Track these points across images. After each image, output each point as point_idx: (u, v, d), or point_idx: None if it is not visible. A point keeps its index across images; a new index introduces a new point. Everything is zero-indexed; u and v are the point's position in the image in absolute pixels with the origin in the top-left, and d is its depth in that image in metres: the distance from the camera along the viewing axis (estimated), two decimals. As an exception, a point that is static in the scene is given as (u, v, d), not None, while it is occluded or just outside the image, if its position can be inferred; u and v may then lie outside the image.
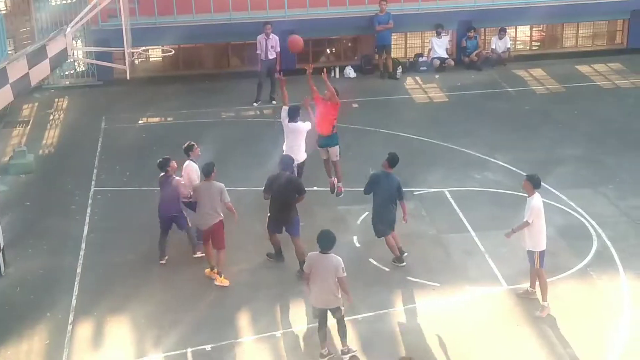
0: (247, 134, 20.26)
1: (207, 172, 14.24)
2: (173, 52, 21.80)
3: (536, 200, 13.22)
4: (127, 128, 20.78)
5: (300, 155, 16.28)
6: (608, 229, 15.62)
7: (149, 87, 23.29)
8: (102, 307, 13.60)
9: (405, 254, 14.72)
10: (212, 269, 14.29)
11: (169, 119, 21.65)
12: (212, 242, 14.24)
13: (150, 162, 18.54)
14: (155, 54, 24.67)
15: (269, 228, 14.69)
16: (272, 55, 22.05)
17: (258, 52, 22.14)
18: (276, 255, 14.82)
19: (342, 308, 12.24)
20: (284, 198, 14.38)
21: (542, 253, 13.39)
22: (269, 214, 14.65)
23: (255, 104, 22.18)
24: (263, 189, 14.56)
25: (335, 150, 16.58)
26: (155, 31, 22.62)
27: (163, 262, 14.80)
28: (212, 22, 23.00)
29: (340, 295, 12.11)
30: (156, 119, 21.67)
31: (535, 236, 13.31)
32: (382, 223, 14.63)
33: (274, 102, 22.25)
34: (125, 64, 15.74)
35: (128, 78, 16.33)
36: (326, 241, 12.09)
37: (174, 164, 14.83)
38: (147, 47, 23.91)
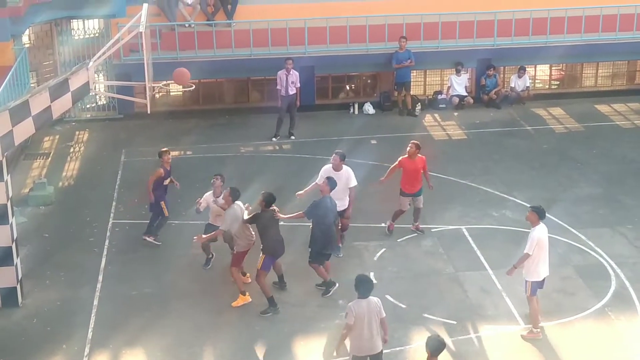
0: (265, 169, 20.32)
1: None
2: (193, 86, 21.90)
3: (537, 231, 13.21)
4: (147, 161, 20.86)
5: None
6: (627, 269, 15.53)
7: (169, 121, 23.48)
8: (118, 340, 13.62)
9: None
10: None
11: (188, 152, 21.78)
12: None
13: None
14: (176, 88, 24.86)
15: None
16: (292, 91, 22.18)
17: (278, 87, 22.26)
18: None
19: None
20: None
21: (534, 283, 13.41)
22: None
23: (274, 139, 22.29)
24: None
25: (421, 199, 16.82)
26: (177, 66, 22.65)
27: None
28: (233, 57, 23.19)
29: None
30: (175, 153, 21.70)
31: (531, 266, 13.31)
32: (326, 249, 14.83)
33: (292, 137, 22.36)
34: (146, 98, 15.87)
35: (149, 112, 16.44)
36: (367, 287, 11.97)
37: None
38: (168, 82, 24.07)
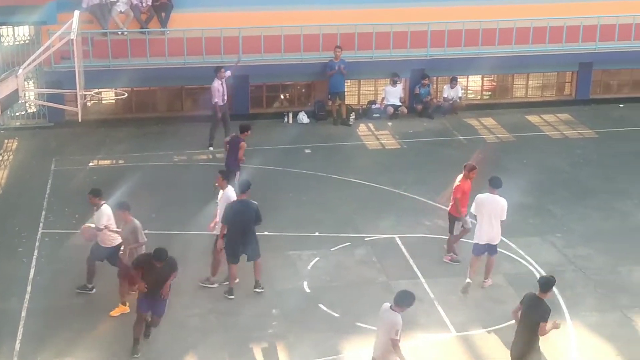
0: (199, 178, 20.17)
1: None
2: (126, 94, 21.72)
3: (480, 195, 15.26)
4: (78, 170, 20.59)
5: None
6: (556, 278, 15.69)
7: (100, 130, 23.17)
8: (47, 352, 13.38)
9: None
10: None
11: (120, 161, 21.51)
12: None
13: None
14: (108, 96, 24.57)
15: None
16: (225, 100, 22.05)
17: (216, 99, 21.69)
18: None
19: None
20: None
21: (474, 244, 15.33)
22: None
23: (210, 148, 22.14)
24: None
25: None
26: (109, 73, 22.57)
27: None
28: (166, 65, 23.01)
29: None
30: (107, 162, 21.52)
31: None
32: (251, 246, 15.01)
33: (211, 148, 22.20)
34: (77, 106, 15.63)
35: (80, 120, 16.20)
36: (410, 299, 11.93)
37: None
38: (100, 90, 23.83)
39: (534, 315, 12.02)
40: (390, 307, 11.83)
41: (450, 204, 16.36)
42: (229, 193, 15.30)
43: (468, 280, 15.23)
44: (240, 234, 14.85)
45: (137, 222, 14.43)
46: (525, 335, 12.10)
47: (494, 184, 15.34)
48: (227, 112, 22.23)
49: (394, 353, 11.79)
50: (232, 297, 15.00)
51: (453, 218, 16.38)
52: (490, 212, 15.16)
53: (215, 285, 15.30)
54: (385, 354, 11.89)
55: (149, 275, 13.21)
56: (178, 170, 20.90)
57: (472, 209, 15.50)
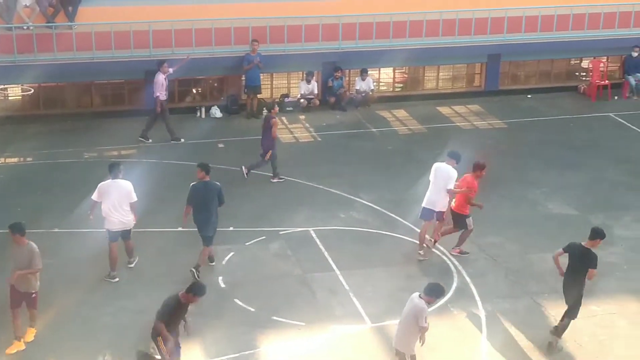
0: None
1: None
2: (32, 90, 21.24)
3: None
4: (-17, 168, 20.08)
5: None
6: (468, 266, 16.03)
7: (7, 127, 22.60)
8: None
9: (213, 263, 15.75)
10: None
11: (28, 159, 21.02)
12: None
13: (8, 203, 18.03)
14: (14, 92, 23.96)
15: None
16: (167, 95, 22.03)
17: (157, 93, 21.59)
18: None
19: None
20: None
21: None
22: None
23: (150, 140, 22.03)
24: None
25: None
26: (14, 69, 21.99)
27: None
28: (74, 60, 22.54)
29: None
30: (14, 160, 21.01)
31: None
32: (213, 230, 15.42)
33: (150, 140, 22.08)
34: (-20, 103, 15.23)
35: (-16, 117, 15.81)
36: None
37: None
38: (6, 86, 23.25)
39: (584, 264, 13.27)
40: (420, 296, 12.16)
41: (454, 202, 16.36)
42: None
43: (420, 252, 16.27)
44: (202, 215, 15.26)
45: (34, 245, 13.15)
46: (578, 280, 13.38)
47: (451, 155, 16.38)
48: (167, 107, 22.13)
49: (418, 340, 12.32)
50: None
51: (458, 216, 16.40)
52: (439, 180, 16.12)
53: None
54: (409, 342, 12.34)
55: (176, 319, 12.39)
56: (89, 167, 20.52)
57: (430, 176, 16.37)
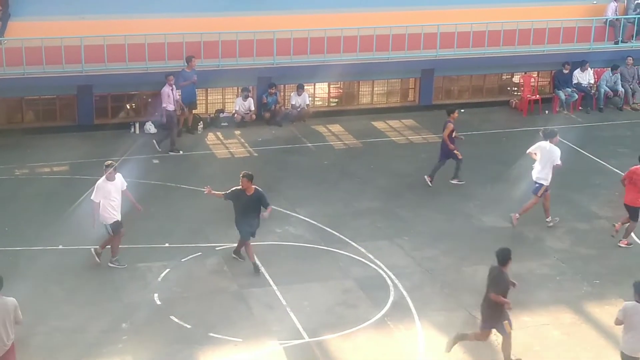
0: (42, 191, 19.54)
1: None
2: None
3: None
4: None
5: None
6: (404, 279, 16.12)
7: None
8: None
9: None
10: None
11: (-43, 176, 20.59)
12: None
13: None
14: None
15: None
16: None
17: (164, 104, 22.39)
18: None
19: None
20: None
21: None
22: None
23: (181, 152, 22.60)
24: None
25: None
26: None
27: None
28: (4, 76, 22.14)
29: None
30: (-57, 177, 20.56)
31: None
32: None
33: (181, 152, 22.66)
34: None
35: None
36: None
37: None
38: None
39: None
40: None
41: (625, 196, 17.57)
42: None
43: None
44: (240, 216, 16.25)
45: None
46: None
47: (549, 134, 18.43)
48: (176, 118, 22.89)
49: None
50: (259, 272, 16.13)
51: (632, 208, 17.51)
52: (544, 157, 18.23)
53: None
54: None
55: None
56: (20, 183, 20.14)
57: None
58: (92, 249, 16.33)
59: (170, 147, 22.62)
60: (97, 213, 15.90)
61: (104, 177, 15.98)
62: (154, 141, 22.83)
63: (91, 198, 15.94)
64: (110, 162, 16.20)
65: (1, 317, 11.74)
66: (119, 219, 16.08)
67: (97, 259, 16.23)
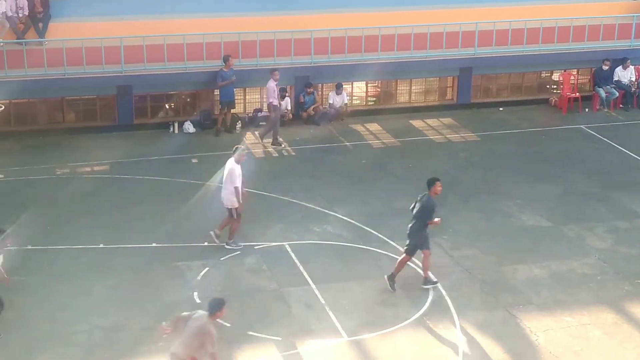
0: (83, 191, 19.74)
1: None
2: (3, 107, 21.08)
3: None
4: (-46, 186, 19.88)
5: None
6: (443, 279, 16.04)
7: (-22, 144, 22.44)
8: None
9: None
10: None
11: (0, 176, 20.85)
12: None
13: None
14: (-15, 109, 23.77)
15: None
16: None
17: (271, 99, 22.97)
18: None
19: None
20: None
21: None
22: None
23: (283, 145, 23.19)
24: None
25: None
26: (-16, 86, 21.86)
27: None
28: (45, 76, 22.39)
29: None
30: (-14, 177, 20.86)
31: None
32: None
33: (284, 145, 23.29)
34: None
35: (-46, 134, 15.66)
36: None
37: None
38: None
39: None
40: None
41: None
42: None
43: None
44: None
45: None
46: None
47: None
48: (279, 113, 23.43)
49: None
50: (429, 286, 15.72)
51: None
52: None
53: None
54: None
55: None
56: (61, 183, 20.37)
57: None
58: (212, 232, 16.96)
59: (273, 140, 23.10)
60: (240, 196, 16.70)
61: (232, 160, 16.72)
62: (257, 134, 23.46)
63: (235, 186, 16.52)
64: (240, 145, 17.19)
65: None
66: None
67: (216, 240, 16.93)
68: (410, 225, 15.66)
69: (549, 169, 21.78)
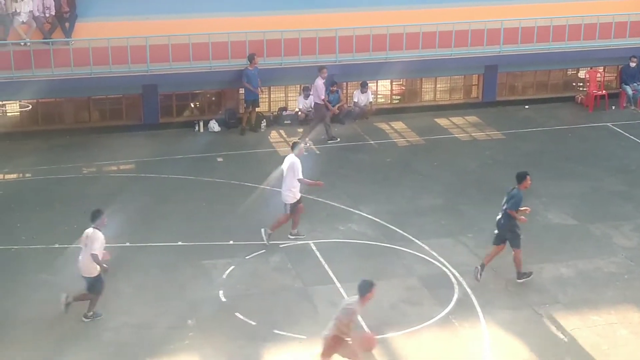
0: (109, 189, 19.86)
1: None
2: (30, 106, 21.25)
3: None
4: (-17, 185, 20.07)
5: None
6: (468, 277, 16.00)
7: (5, 143, 22.60)
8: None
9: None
10: None
11: (27, 175, 21.01)
12: None
13: (8, 219, 18.04)
14: (12, 109, 23.95)
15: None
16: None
17: (323, 97, 23.24)
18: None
19: None
20: None
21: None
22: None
23: (337, 140, 23.46)
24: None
25: None
26: (12, 85, 22.02)
27: None
28: (72, 76, 22.56)
29: None
30: (14, 176, 21.00)
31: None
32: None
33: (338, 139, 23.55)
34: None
35: (-18, 134, 15.81)
36: None
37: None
38: (4, 102, 23.25)
39: None
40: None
41: None
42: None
43: None
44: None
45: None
46: None
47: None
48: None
49: None
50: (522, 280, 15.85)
51: None
52: None
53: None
54: None
55: None
56: (88, 182, 20.51)
57: None
58: (262, 230, 17.09)
59: (327, 136, 23.34)
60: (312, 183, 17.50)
61: (293, 155, 17.17)
62: (328, 137, 23.51)
63: (299, 178, 16.96)
64: (299, 140, 17.97)
65: None
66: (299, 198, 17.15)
67: (265, 239, 17.05)
68: (498, 217, 15.96)
69: (575, 167, 21.67)
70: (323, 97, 23.39)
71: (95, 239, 14.10)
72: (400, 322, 14.59)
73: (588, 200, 19.72)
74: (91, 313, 14.44)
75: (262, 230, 17.15)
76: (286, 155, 17.50)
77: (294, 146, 17.48)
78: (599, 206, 19.33)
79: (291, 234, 17.42)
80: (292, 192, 17.08)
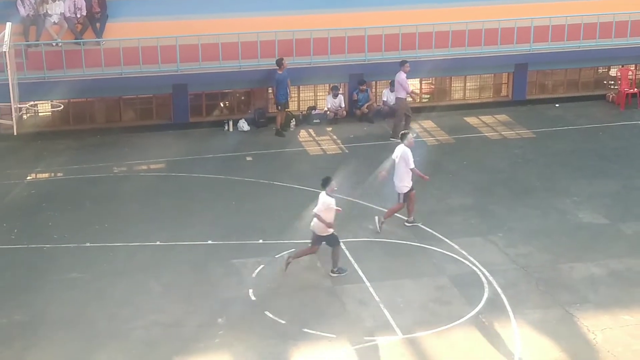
0: (139, 188, 20.00)
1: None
2: (62, 106, 21.42)
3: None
4: (15, 184, 20.24)
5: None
6: (498, 277, 15.93)
7: (37, 143, 22.82)
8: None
9: None
10: None
11: (59, 174, 21.20)
12: None
13: (39, 219, 18.20)
14: (44, 108, 24.18)
15: None
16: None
17: (408, 92, 23.46)
18: None
19: None
20: None
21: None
22: None
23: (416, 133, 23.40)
24: None
25: None
26: (44, 85, 22.21)
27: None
28: (103, 76, 22.73)
29: None
30: (45, 175, 21.20)
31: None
32: None
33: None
34: (12, 120, 15.38)
35: (15, 133, 15.93)
36: None
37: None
38: (36, 102, 23.47)
39: None
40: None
41: None
42: None
43: None
44: None
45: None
46: None
47: None
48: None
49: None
50: None
51: None
52: None
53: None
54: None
55: None
56: (119, 181, 20.66)
57: None
58: (376, 218, 17.77)
59: (392, 134, 23.26)
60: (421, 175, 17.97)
61: (403, 145, 17.64)
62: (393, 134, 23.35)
63: (411, 167, 17.60)
64: (408, 131, 18.62)
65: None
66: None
67: (377, 228, 17.67)
68: None
69: (607, 166, 21.50)
70: (410, 90, 23.55)
71: (321, 202, 15.63)
72: (430, 321, 14.55)
73: (620, 199, 19.55)
74: (336, 269, 15.92)
75: (376, 217, 17.75)
76: (397, 145, 18.07)
77: (402, 137, 17.94)
78: (631, 205, 19.17)
79: (407, 222, 17.95)
80: (404, 182, 17.71)
